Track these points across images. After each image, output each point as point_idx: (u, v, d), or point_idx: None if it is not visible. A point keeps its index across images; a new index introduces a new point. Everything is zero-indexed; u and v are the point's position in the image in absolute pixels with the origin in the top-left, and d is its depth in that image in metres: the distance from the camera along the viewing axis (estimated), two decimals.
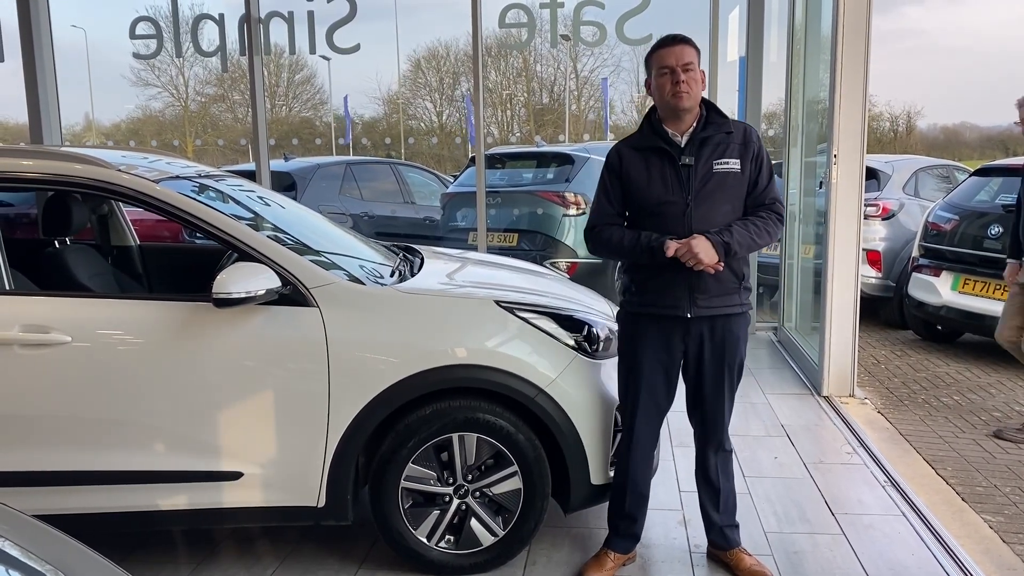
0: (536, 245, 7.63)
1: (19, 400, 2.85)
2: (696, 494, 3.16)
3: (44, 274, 3.40)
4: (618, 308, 3.05)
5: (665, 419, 3.04)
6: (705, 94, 2.86)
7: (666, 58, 2.75)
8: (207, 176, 3.55)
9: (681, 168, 2.78)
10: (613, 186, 2.90)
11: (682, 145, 2.80)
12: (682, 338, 2.87)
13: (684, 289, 2.80)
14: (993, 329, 6.31)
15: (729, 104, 6.87)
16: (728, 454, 3.08)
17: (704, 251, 2.66)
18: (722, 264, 2.72)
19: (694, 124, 2.81)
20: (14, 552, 1.46)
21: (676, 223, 2.75)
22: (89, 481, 2.89)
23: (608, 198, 2.91)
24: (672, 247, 2.68)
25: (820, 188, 5.72)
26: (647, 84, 2.88)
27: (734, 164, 2.79)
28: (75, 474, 2.88)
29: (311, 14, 6.97)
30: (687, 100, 2.74)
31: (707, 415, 2.99)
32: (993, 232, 6.36)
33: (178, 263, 4.40)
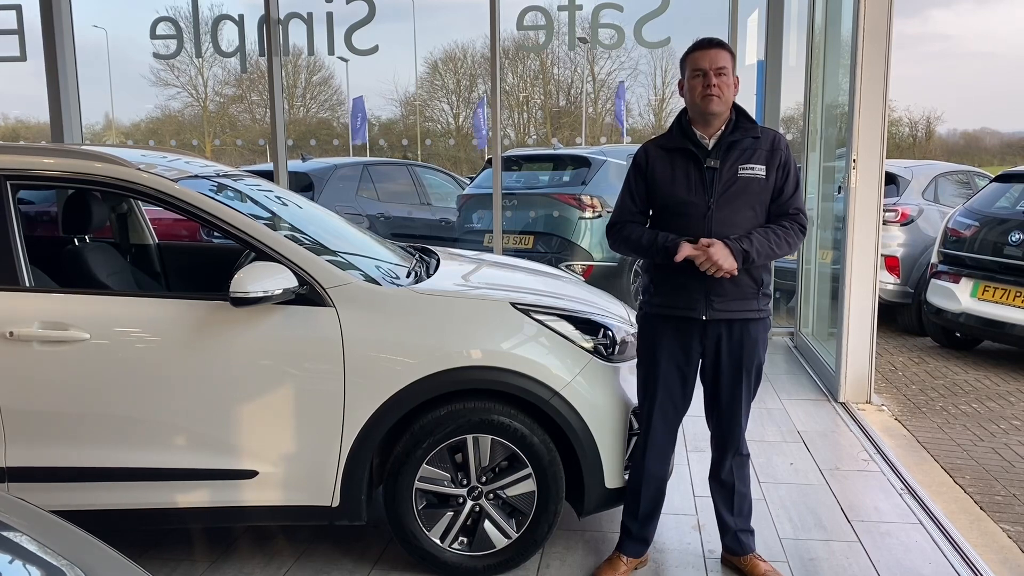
0: (552, 247, 7.63)
1: (37, 396, 2.87)
2: (709, 498, 3.15)
3: (63, 271, 3.42)
4: (637, 309, 3.05)
5: (681, 423, 3.03)
6: (738, 99, 2.86)
7: (700, 61, 2.75)
8: (225, 176, 3.57)
9: (706, 171, 2.78)
10: (638, 184, 2.91)
11: (709, 148, 2.80)
12: (699, 340, 2.86)
13: (700, 291, 2.79)
14: (1012, 337, 6.28)
15: (747, 108, 6.81)
16: (744, 458, 3.07)
17: (722, 258, 2.66)
18: (737, 270, 2.71)
19: (723, 128, 2.81)
20: (32, 547, 1.47)
21: (696, 224, 2.75)
22: (105, 478, 2.91)
23: (632, 196, 2.92)
24: (684, 251, 2.68)
25: (839, 193, 5.68)
26: (680, 85, 2.88)
27: (759, 170, 2.78)
28: (91, 470, 2.90)
29: (330, 15, 7.00)
30: (717, 105, 2.74)
31: (723, 418, 2.98)
32: (1014, 239, 6.30)
33: (196, 262, 4.42)
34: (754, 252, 2.72)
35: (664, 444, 2.98)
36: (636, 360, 3.05)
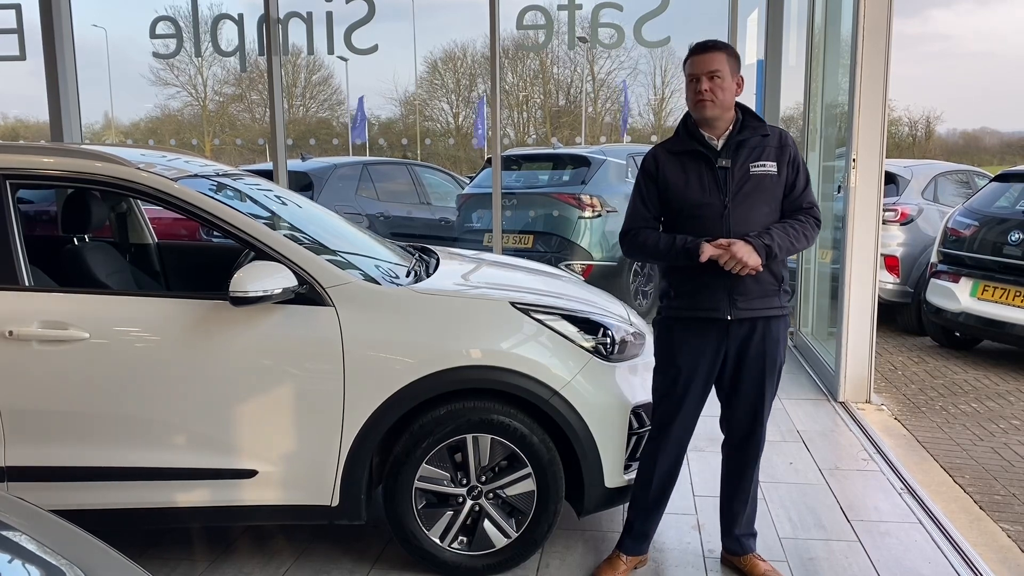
0: (551, 247, 7.62)
1: (37, 396, 2.87)
2: (708, 498, 3.14)
3: (63, 271, 3.42)
4: (656, 312, 3.03)
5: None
6: (741, 98, 2.85)
7: (693, 66, 2.76)
8: (225, 175, 3.57)
9: (718, 171, 2.77)
10: (649, 190, 2.89)
11: (718, 148, 2.79)
12: (723, 341, 2.84)
13: (723, 291, 2.78)
14: (1012, 336, 6.28)
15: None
16: (758, 461, 3.06)
17: (747, 255, 2.65)
18: (761, 266, 2.70)
19: (730, 128, 2.81)
20: (31, 547, 1.47)
21: (714, 225, 2.74)
22: (105, 477, 2.91)
23: (644, 202, 2.90)
24: (707, 252, 2.67)
25: (838, 192, 5.68)
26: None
27: (771, 166, 2.78)
28: (91, 470, 2.90)
29: (329, 15, 6.99)
30: (709, 109, 2.74)
31: (744, 423, 2.95)
32: (1013, 238, 6.30)
33: (195, 261, 4.42)
34: (776, 247, 2.71)
35: (680, 442, 2.96)
36: (653, 361, 3.01)
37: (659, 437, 2.96)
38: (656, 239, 2.84)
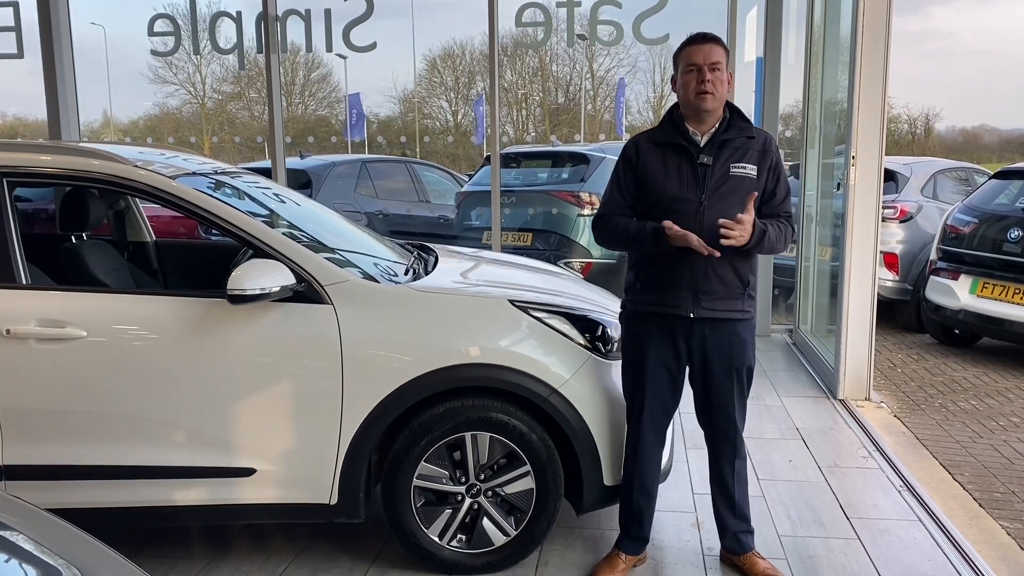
0: (551, 245, 7.62)
1: (34, 394, 2.87)
2: (707, 496, 3.14)
3: (61, 269, 3.41)
4: (621, 307, 3.03)
5: (676, 421, 3.02)
6: (737, 96, 2.84)
7: (693, 56, 2.74)
8: (223, 173, 3.56)
9: (698, 167, 2.76)
10: (627, 178, 2.89)
11: (701, 145, 2.79)
12: (685, 339, 2.85)
13: (688, 289, 2.78)
14: (1011, 334, 6.28)
15: (746, 105, 6.80)
16: (743, 461, 3.05)
17: (748, 229, 2.65)
18: (719, 253, 2.68)
19: (716, 125, 2.80)
20: (28, 546, 1.47)
21: (688, 221, 2.72)
22: (103, 476, 2.91)
23: (620, 189, 2.90)
24: (674, 227, 2.65)
25: (838, 190, 5.68)
26: (673, 80, 2.87)
27: (751, 169, 2.78)
28: (89, 469, 2.90)
29: (328, 12, 6.99)
30: (711, 101, 2.73)
31: (718, 422, 2.96)
32: (1013, 236, 6.30)
33: (194, 259, 4.41)
34: (767, 238, 2.71)
35: (654, 443, 2.96)
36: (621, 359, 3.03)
37: (635, 435, 2.96)
38: (626, 224, 2.84)
